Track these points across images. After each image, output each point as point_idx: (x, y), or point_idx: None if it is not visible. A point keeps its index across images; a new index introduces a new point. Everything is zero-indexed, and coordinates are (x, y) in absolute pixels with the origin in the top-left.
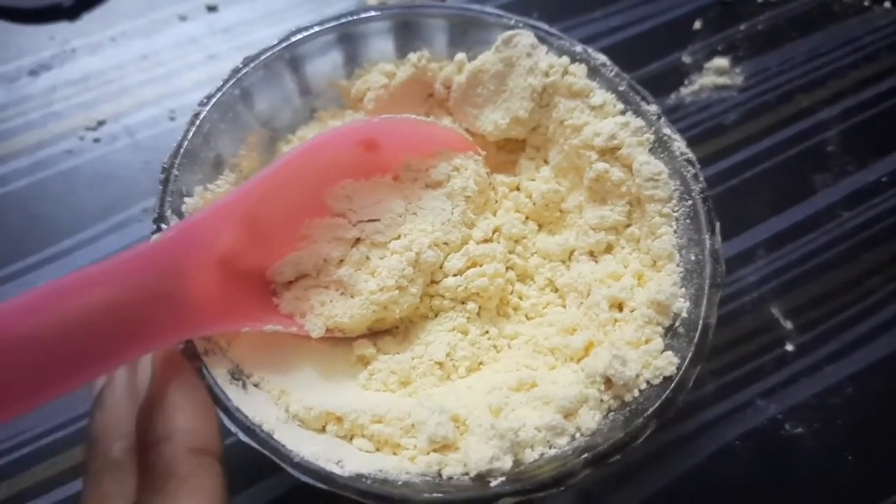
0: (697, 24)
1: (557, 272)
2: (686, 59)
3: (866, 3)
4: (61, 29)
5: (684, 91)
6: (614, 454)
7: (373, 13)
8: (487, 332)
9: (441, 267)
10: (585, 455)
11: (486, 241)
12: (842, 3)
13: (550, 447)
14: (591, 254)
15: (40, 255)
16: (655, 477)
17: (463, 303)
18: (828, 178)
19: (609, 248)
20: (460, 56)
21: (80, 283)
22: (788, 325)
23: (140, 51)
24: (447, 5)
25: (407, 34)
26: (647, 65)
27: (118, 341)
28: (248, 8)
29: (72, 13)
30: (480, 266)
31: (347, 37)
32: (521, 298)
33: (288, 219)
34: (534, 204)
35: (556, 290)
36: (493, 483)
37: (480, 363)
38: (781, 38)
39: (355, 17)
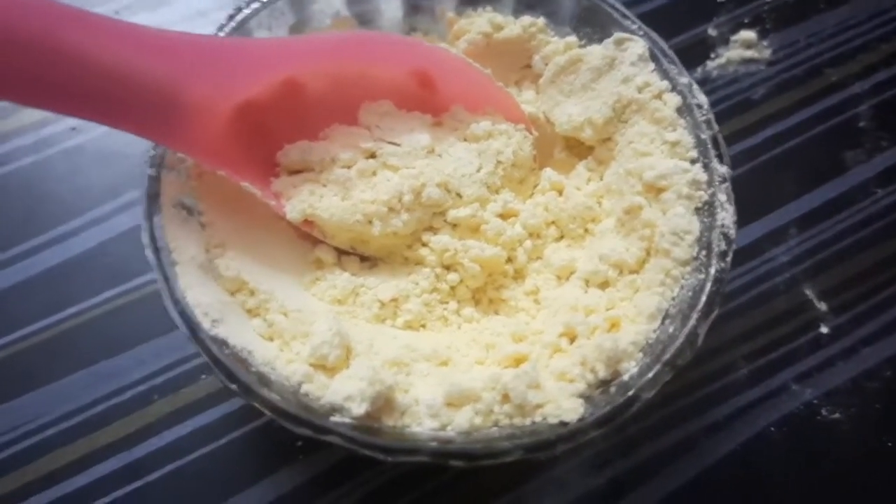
0: None
1: (548, 285)
2: (712, 31)
3: None
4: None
5: (711, 65)
6: (455, 459)
7: None
8: (447, 303)
9: (444, 216)
10: (433, 445)
11: (500, 216)
12: None
13: (418, 424)
14: (587, 282)
15: (47, 235)
16: (687, 466)
17: (447, 268)
18: (860, 154)
19: (605, 284)
20: (572, 38)
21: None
22: (823, 306)
23: (146, 24)
24: None
25: None
26: (672, 38)
27: (99, 100)
28: None
29: None
30: (483, 239)
31: None
32: (499, 291)
33: (322, 108)
34: (563, 212)
35: (538, 302)
36: (335, 419)
37: (423, 325)
38: (809, 9)
39: None
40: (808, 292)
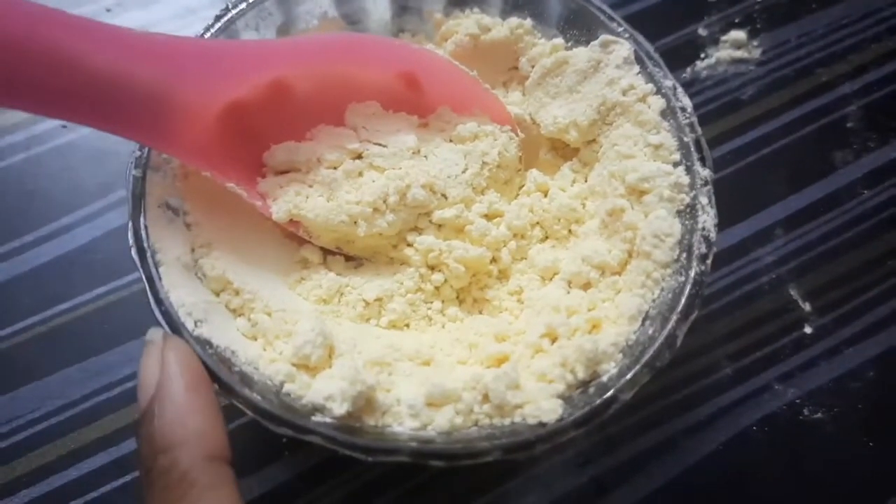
0: None
1: (532, 286)
2: (702, 31)
3: None
4: None
5: (700, 65)
6: (435, 459)
7: None
8: (432, 303)
9: (429, 217)
10: (413, 444)
11: (485, 216)
12: None
13: (399, 424)
14: (570, 283)
15: (37, 232)
16: (669, 465)
17: (431, 268)
18: (848, 154)
19: (587, 285)
20: (558, 40)
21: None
22: (807, 306)
23: (138, 22)
24: None
25: None
26: (661, 37)
27: (88, 103)
28: None
29: None
30: (467, 239)
31: None
32: (484, 291)
33: (308, 109)
34: (548, 213)
35: (521, 302)
36: (316, 419)
37: (407, 325)
38: (801, 9)
39: None
40: (793, 293)
